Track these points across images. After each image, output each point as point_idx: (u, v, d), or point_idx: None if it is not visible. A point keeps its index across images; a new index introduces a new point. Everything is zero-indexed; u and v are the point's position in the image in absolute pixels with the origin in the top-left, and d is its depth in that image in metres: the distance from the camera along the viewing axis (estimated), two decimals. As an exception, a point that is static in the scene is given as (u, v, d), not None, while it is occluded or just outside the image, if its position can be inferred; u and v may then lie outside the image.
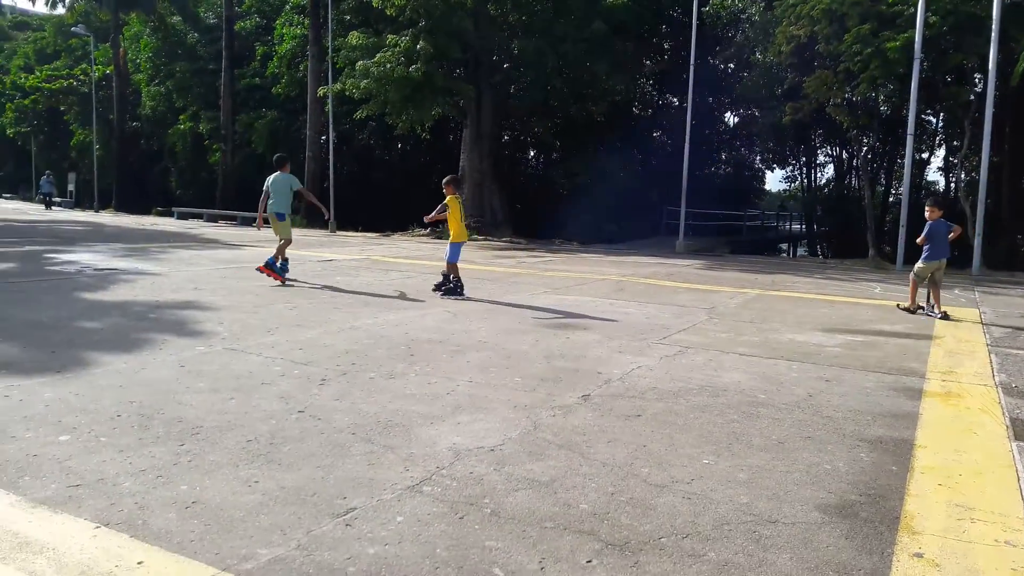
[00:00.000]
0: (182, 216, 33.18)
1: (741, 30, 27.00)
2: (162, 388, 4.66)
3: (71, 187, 47.80)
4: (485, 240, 23.63)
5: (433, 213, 10.05)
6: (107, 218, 31.86)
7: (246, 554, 2.60)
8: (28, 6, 55.77)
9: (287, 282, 10.21)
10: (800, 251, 39.71)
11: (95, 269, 11.35)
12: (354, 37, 24.35)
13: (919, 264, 9.15)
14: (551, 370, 5.48)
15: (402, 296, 9.45)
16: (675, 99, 34.39)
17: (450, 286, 9.67)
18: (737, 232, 32.71)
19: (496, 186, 26.84)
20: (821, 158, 36.50)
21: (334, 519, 2.89)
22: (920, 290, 9.27)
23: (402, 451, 3.67)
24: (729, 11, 25.71)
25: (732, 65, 29.86)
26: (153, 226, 25.92)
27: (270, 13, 37.31)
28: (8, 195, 61.50)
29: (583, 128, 28.85)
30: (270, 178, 10.75)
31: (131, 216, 34.09)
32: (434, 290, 9.80)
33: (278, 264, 10.41)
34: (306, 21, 31.37)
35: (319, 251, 16.37)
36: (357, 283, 10.72)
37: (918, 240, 9.19)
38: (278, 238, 10.73)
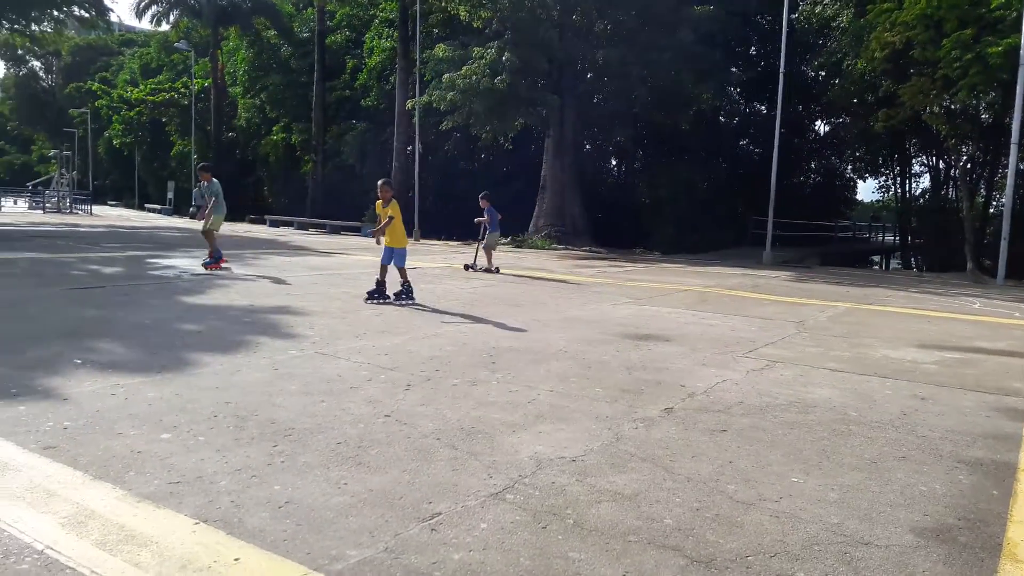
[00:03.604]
0: (274, 224, 34.34)
1: (832, 37, 26.23)
2: (256, 390, 4.84)
3: (170, 195, 50.10)
4: (565, 249, 23.63)
5: (379, 227, 9.70)
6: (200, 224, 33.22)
7: (336, 555, 2.67)
8: (135, 23, 58.84)
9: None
10: (893, 263, 38.21)
11: (193, 274, 11.87)
12: (440, 50, 24.79)
13: (495, 236, 14.57)
14: (632, 381, 5.44)
15: (482, 304, 9.53)
16: (762, 107, 33.70)
17: (406, 290, 9.54)
18: (827, 243, 31.73)
19: (577, 195, 26.83)
20: (916, 168, 35.04)
21: (420, 523, 2.94)
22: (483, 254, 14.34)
23: (485, 458, 3.71)
24: (819, 18, 25.05)
25: (823, 73, 29.05)
26: (247, 233, 26.93)
27: (360, 27, 38.32)
28: (113, 202, 64.94)
29: (667, 137, 28.58)
30: (216, 184, 13.20)
31: (226, 223, 35.47)
32: (401, 300, 9.42)
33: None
34: (395, 34, 32.12)
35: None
36: (440, 291, 10.88)
37: (479, 220, 14.41)
38: (215, 232, 13.14)
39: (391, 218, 9.55)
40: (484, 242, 14.42)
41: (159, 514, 2.96)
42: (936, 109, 20.25)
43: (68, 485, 3.20)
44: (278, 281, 11.33)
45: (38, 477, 3.28)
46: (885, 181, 37.81)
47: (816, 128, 35.76)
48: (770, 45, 29.67)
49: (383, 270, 9.55)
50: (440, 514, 3.03)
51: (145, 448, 3.69)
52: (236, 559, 2.62)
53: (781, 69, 20.74)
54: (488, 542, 2.80)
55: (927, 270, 26.30)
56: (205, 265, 12.83)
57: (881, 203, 43.42)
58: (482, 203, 14.55)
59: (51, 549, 2.64)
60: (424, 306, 9.19)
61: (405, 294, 9.55)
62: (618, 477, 3.51)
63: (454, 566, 2.62)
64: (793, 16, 23.37)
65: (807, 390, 5.37)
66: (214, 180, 13.27)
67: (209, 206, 13.13)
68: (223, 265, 12.85)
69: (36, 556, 2.59)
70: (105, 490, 3.17)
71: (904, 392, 5.44)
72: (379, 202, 9.76)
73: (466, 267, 14.58)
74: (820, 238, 31.76)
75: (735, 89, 31.20)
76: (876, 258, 38.75)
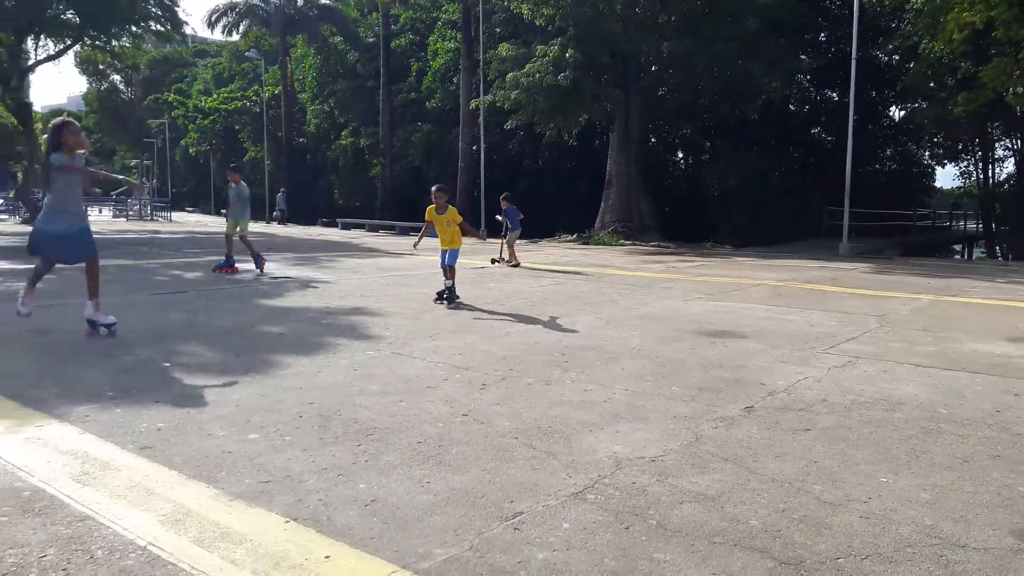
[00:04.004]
0: (345, 226, 35.00)
1: (906, 19, 25.32)
2: (338, 390, 4.96)
3: (245, 200, 51.49)
4: (632, 245, 23.44)
5: (471, 231, 9.86)
6: (277, 228, 34.14)
7: (423, 553, 2.71)
8: (207, 35, 60.96)
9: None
10: (977, 252, 36.71)
11: (271, 277, 12.20)
12: (504, 49, 24.88)
13: (515, 234, 15.67)
14: (710, 380, 5.37)
15: (552, 302, 9.54)
16: (834, 94, 32.73)
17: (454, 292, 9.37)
18: (905, 233, 30.67)
19: (643, 190, 26.60)
20: (1000, 152, 33.59)
21: (503, 522, 2.97)
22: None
23: (563, 458, 3.72)
24: (892, 0, 24.22)
25: (896, 57, 28.08)
26: (320, 236, 27.53)
27: (423, 30, 38.79)
28: (190, 208, 67.27)
29: (735, 127, 28.06)
30: (244, 187, 12.95)
31: (299, 227, 36.35)
32: (448, 304, 9.12)
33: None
34: (458, 35, 32.37)
35: (472, 259, 16.78)
36: (510, 289, 10.93)
37: (500, 217, 15.78)
38: (247, 238, 12.93)
39: (461, 224, 9.54)
40: (507, 239, 15.52)
41: (251, 512, 3.06)
42: (1020, 90, 19.37)
43: (165, 484, 3.34)
44: (352, 283, 11.56)
45: (137, 476, 3.42)
46: (966, 167, 36.41)
47: (891, 114, 34.60)
48: (840, 30, 28.81)
49: (446, 272, 9.39)
50: (522, 513, 3.05)
51: (235, 448, 3.81)
52: (327, 556, 2.69)
53: (853, 55, 20.12)
54: (571, 542, 2.81)
55: (1013, 258, 25.17)
56: (215, 268, 12.91)
57: (962, 190, 41.80)
58: (503, 204, 15.81)
59: (153, 545, 2.75)
60: (488, 305, 9.24)
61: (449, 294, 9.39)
62: (700, 477, 3.47)
63: (539, 565, 2.63)
64: (864, -1, 22.62)
65: (892, 387, 5.21)
66: (242, 184, 13.12)
67: (231, 208, 13.02)
68: (232, 272, 12.65)
69: (140, 552, 2.71)
70: (199, 489, 3.29)
71: (996, 388, 5.22)
72: (432, 207, 9.45)
73: (493, 261, 15.60)
74: (898, 228, 30.70)
75: (805, 76, 30.42)
76: (957, 247, 37.30)
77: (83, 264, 6.85)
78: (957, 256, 34.65)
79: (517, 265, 15.16)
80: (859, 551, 2.77)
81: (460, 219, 9.61)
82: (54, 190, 6.62)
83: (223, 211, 53.82)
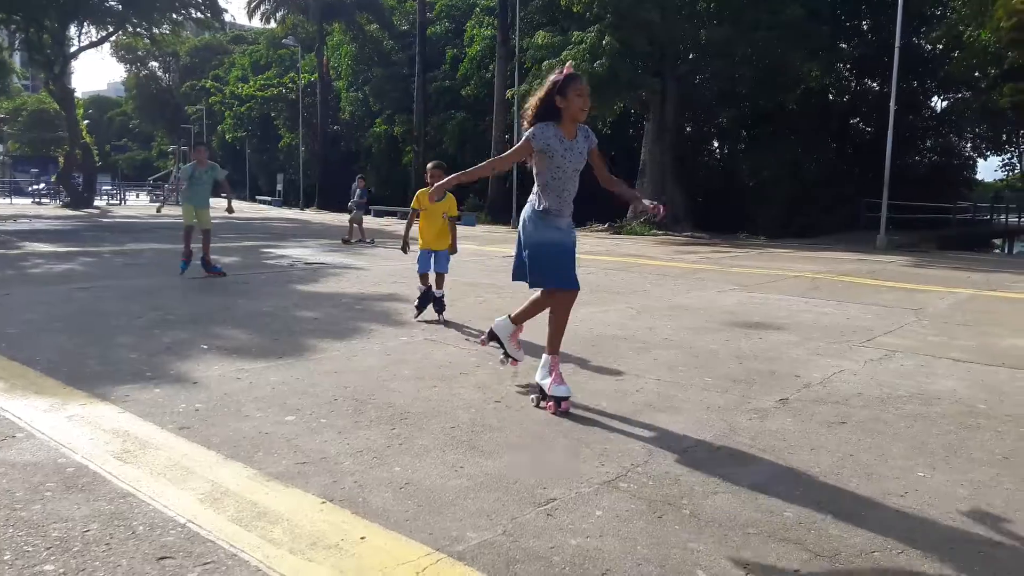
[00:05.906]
0: (378, 214, 35.15)
1: (952, 7, 24.76)
2: (372, 375, 5.01)
3: (279, 187, 52.07)
4: (665, 235, 23.29)
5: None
6: (311, 215, 34.46)
7: (457, 536, 2.74)
8: (245, 22, 61.71)
9: None
10: (1018, 246, 35.93)
11: (306, 263, 12.33)
12: (540, 36, 24.78)
13: (358, 214, 17.84)
14: (744, 371, 5.33)
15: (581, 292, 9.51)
16: (875, 84, 32.12)
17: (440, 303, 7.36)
18: (944, 226, 30.03)
19: (677, 179, 26.39)
20: (1045, 144, 32.83)
21: (536, 508, 2.98)
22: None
23: (596, 446, 3.72)
24: (939, -14, 23.73)
25: (940, 46, 27.47)
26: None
27: (459, 17, 38.77)
28: (224, 195, 68.03)
29: (773, 117, 27.66)
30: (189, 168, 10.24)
31: (333, 213, 36.61)
32: (439, 314, 7.26)
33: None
34: (495, 22, 32.28)
35: (503, 247, 16.80)
36: (542, 278, 10.89)
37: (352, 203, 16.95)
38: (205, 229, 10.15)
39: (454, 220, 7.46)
40: (352, 216, 17.60)
41: (288, 493, 3.10)
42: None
43: (203, 464, 3.39)
44: (385, 270, 11.63)
45: (176, 455, 3.49)
46: (1009, 159, 35.65)
47: (932, 105, 33.88)
48: (883, 17, 28.25)
49: (424, 279, 7.33)
50: (555, 500, 3.07)
51: (272, 430, 3.87)
52: (362, 537, 2.72)
53: (896, 43, 19.71)
54: (604, 529, 2.82)
55: (1058, 253, 24.61)
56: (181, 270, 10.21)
57: (1004, 182, 40.96)
58: (360, 183, 18.55)
59: (192, 523, 2.80)
60: (518, 294, 9.21)
61: (439, 307, 7.31)
62: (734, 469, 3.45)
63: (572, 551, 2.64)
64: (910, -14, 22.13)
65: (930, 381, 5.13)
66: (213, 163, 10.71)
67: (176, 191, 10.17)
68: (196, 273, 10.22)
69: (179, 529, 2.76)
70: (237, 469, 3.34)
71: (1038, 384, 5.12)
72: (424, 192, 6.95)
73: (344, 241, 17.29)
74: (937, 220, 30.08)
75: (845, 65, 29.89)
76: (998, 241, 36.50)
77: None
78: (997, 250, 33.92)
79: (365, 242, 17.11)
80: (895, 545, 2.74)
81: (457, 214, 7.54)
82: (554, 178, 4.35)
83: (257, 198, 54.47)
